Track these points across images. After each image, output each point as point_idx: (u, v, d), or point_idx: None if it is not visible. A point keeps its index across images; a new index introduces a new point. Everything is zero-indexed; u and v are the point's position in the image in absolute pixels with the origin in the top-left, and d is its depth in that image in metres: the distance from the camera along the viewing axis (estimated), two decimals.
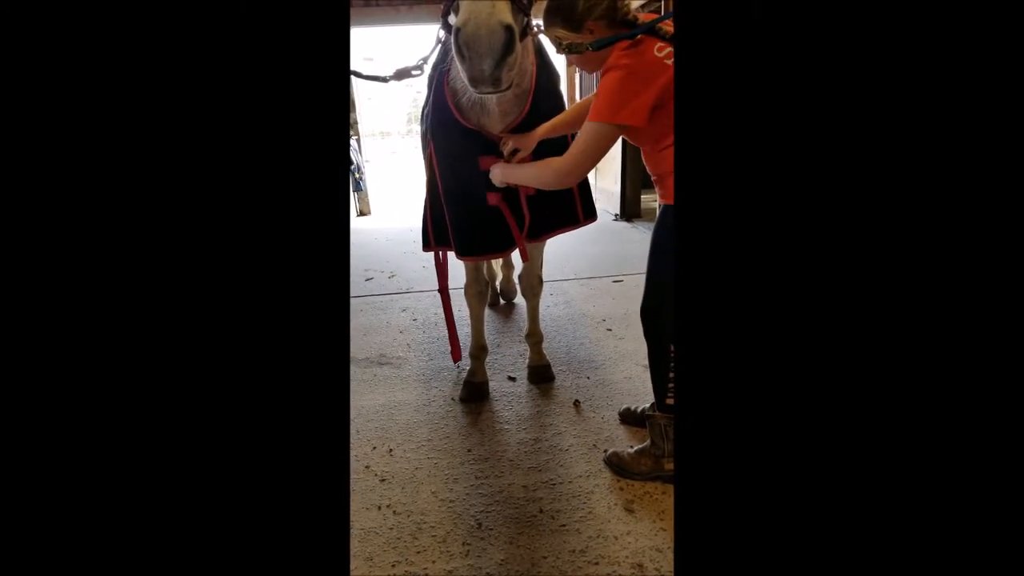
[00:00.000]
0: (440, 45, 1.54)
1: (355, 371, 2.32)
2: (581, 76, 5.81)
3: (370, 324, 2.85)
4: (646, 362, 1.56)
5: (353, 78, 1.83)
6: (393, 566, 1.32)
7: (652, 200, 5.21)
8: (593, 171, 4.03)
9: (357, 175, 6.28)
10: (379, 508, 1.52)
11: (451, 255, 1.97)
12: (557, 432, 1.83)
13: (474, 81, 1.24)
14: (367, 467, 1.70)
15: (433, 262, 2.07)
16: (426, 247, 1.98)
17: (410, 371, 2.32)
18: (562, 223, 1.89)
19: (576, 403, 1.99)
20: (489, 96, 1.50)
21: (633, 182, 5.00)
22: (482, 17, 1.15)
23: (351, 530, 1.42)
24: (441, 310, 2.07)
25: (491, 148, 1.67)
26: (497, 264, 2.99)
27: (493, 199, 1.73)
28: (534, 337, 2.16)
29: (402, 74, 1.52)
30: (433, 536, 1.41)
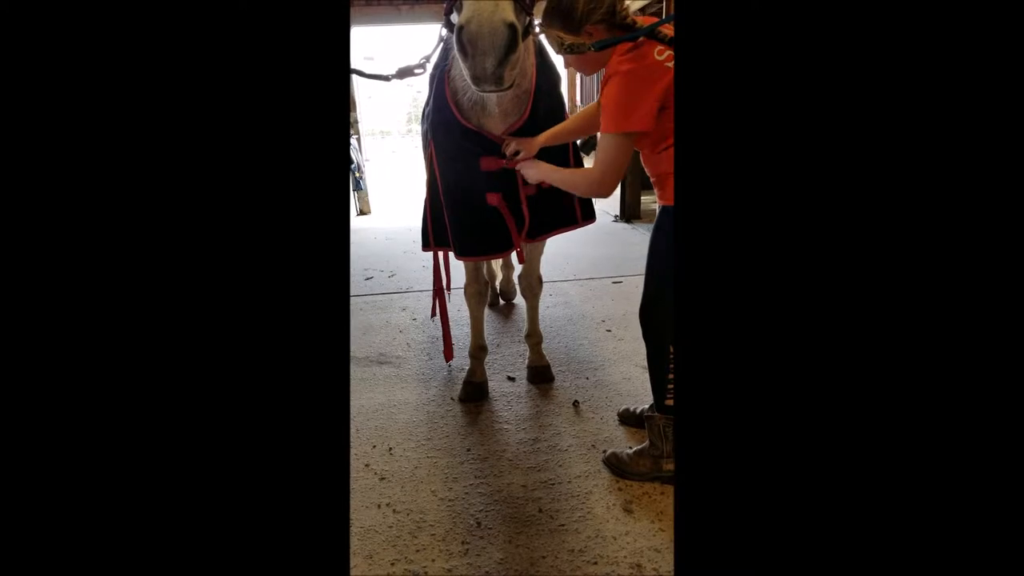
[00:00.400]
0: (442, 44, 1.54)
1: (355, 370, 2.32)
2: (582, 77, 5.81)
3: (370, 323, 2.85)
4: (645, 363, 1.56)
5: (354, 77, 1.83)
6: (392, 564, 1.32)
7: (652, 202, 5.20)
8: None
9: (357, 174, 6.28)
10: (379, 506, 1.52)
11: (450, 255, 1.97)
12: (556, 432, 1.83)
13: (476, 79, 1.24)
14: (367, 465, 1.70)
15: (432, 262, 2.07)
16: (425, 247, 1.99)
17: (409, 370, 2.32)
18: (561, 223, 1.89)
19: (575, 403, 2.00)
20: (490, 96, 1.50)
21: (633, 184, 5.00)
22: (485, 15, 1.16)
23: (351, 528, 1.42)
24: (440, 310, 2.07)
25: (491, 148, 1.67)
26: (497, 264, 2.99)
27: (493, 199, 1.73)
28: (534, 337, 2.16)
29: (404, 73, 1.53)
30: (432, 535, 1.41)
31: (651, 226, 1.46)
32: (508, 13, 1.18)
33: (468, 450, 1.76)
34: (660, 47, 1.23)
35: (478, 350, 2.08)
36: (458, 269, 2.10)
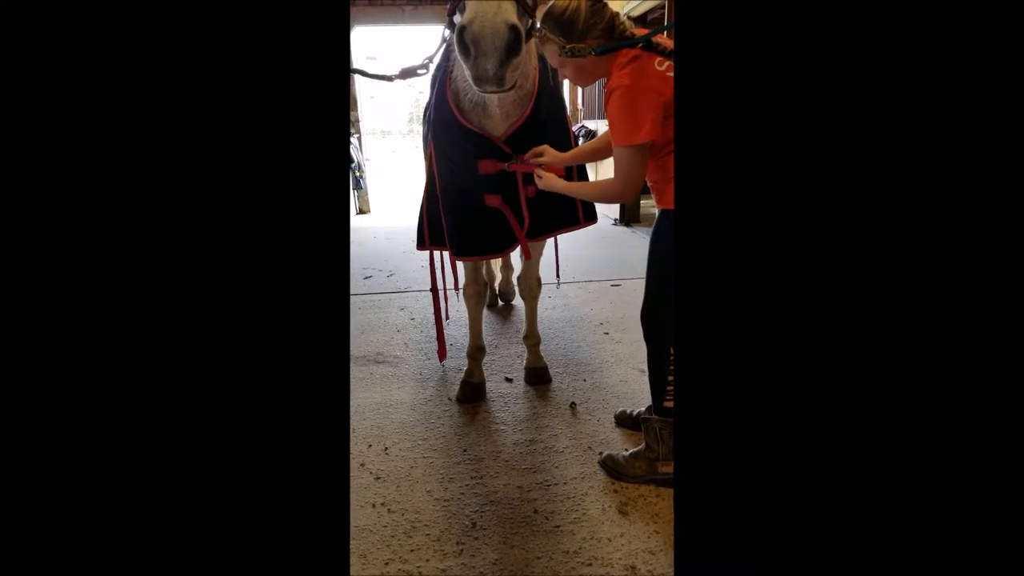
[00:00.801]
0: (445, 45, 1.54)
1: (352, 369, 2.32)
2: None
3: (367, 322, 2.85)
4: (642, 366, 1.56)
5: (357, 76, 1.83)
6: (386, 564, 1.32)
7: (651, 206, 5.22)
8: (593, 174, 4.03)
9: (357, 173, 6.28)
10: (374, 506, 1.52)
11: (446, 255, 1.98)
12: (553, 434, 1.83)
13: (478, 80, 1.25)
14: (362, 465, 1.70)
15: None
16: (420, 246, 1.99)
17: (407, 370, 2.32)
18: (563, 223, 1.90)
19: (572, 405, 2.00)
20: (491, 97, 1.50)
21: None
22: (488, 16, 1.16)
23: None
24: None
25: (492, 149, 1.68)
26: (496, 266, 3.00)
27: (493, 201, 1.73)
28: (532, 339, 2.16)
29: (407, 73, 1.53)
30: (427, 535, 1.41)
31: (650, 230, 1.47)
32: (510, 15, 1.18)
33: (464, 450, 1.76)
34: (659, 59, 1.25)
35: (476, 350, 2.08)
36: (455, 267, 2.10)
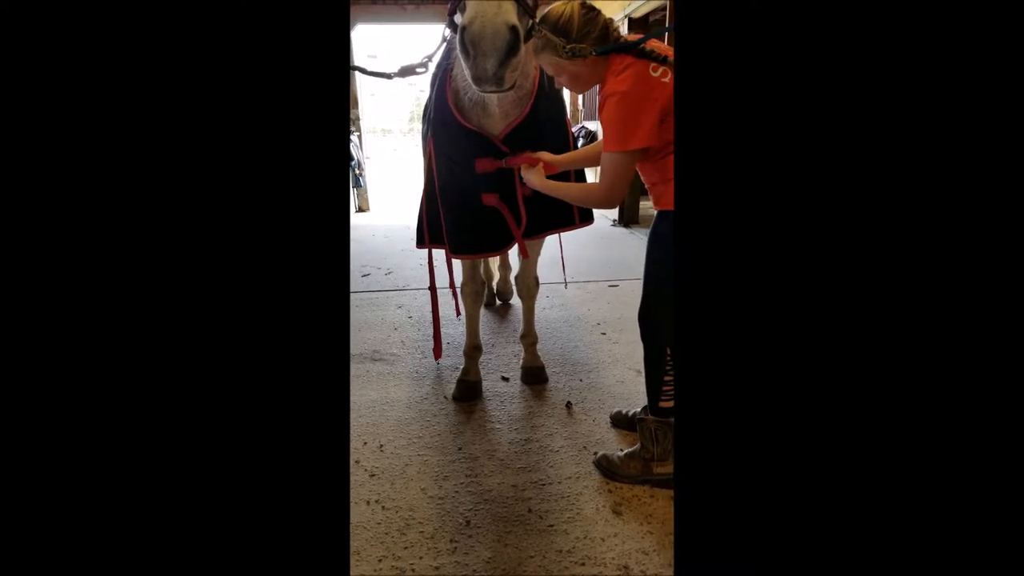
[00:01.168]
0: (445, 44, 1.55)
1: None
2: None
3: (365, 320, 2.85)
4: (639, 366, 1.57)
5: (357, 74, 1.83)
6: (380, 561, 1.33)
7: (650, 207, 5.23)
8: (592, 176, 4.03)
9: (357, 171, 6.28)
10: (368, 503, 1.52)
11: (443, 254, 1.98)
12: (548, 433, 1.84)
13: (477, 80, 1.25)
14: (357, 462, 1.70)
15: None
16: (420, 244, 1.99)
17: (403, 368, 2.33)
18: (560, 223, 1.90)
19: (568, 405, 2.00)
20: (491, 96, 1.51)
21: (631, 189, 5.01)
22: (488, 16, 1.17)
23: None
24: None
25: (490, 149, 1.68)
26: (494, 265, 3.00)
27: (490, 199, 1.74)
28: (529, 338, 2.17)
29: (407, 71, 1.53)
30: (421, 532, 1.41)
31: (648, 231, 1.47)
32: (511, 15, 1.19)
33: (459, 449, 1.76)
34: (654, 64, 1.26)
35: (473, 349, 2.09)
36: (457, 267, 2.10)
